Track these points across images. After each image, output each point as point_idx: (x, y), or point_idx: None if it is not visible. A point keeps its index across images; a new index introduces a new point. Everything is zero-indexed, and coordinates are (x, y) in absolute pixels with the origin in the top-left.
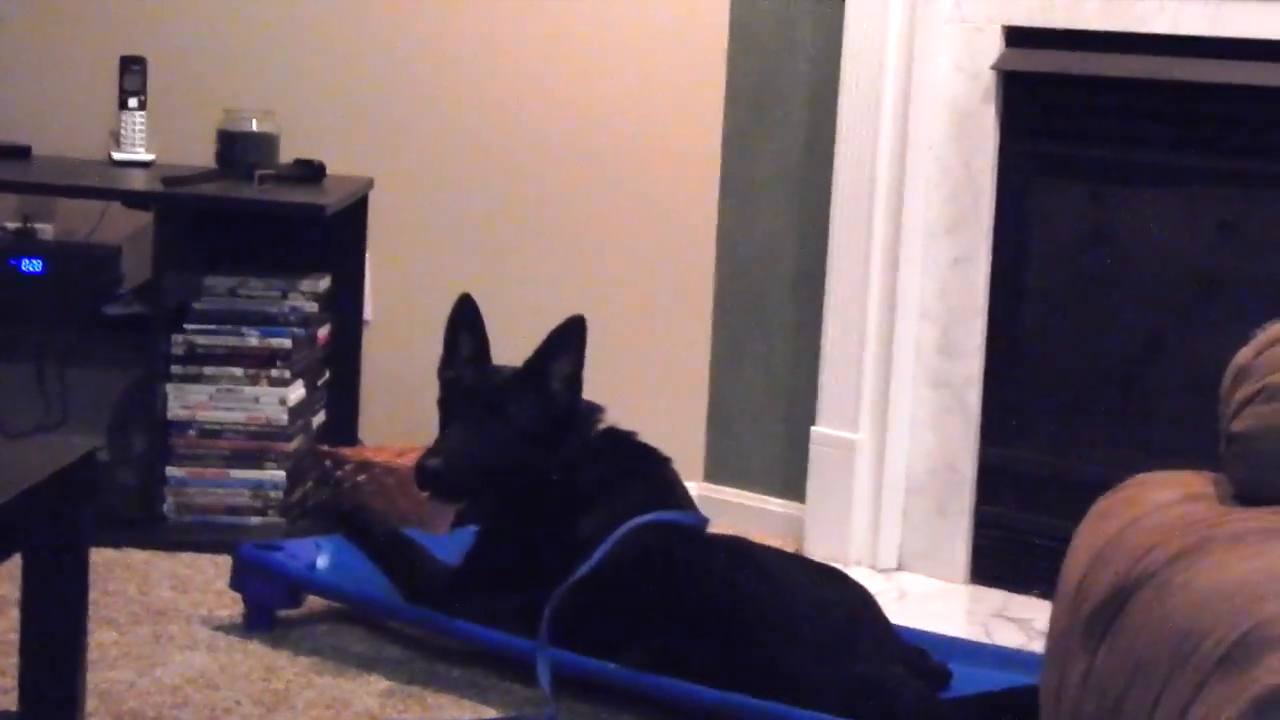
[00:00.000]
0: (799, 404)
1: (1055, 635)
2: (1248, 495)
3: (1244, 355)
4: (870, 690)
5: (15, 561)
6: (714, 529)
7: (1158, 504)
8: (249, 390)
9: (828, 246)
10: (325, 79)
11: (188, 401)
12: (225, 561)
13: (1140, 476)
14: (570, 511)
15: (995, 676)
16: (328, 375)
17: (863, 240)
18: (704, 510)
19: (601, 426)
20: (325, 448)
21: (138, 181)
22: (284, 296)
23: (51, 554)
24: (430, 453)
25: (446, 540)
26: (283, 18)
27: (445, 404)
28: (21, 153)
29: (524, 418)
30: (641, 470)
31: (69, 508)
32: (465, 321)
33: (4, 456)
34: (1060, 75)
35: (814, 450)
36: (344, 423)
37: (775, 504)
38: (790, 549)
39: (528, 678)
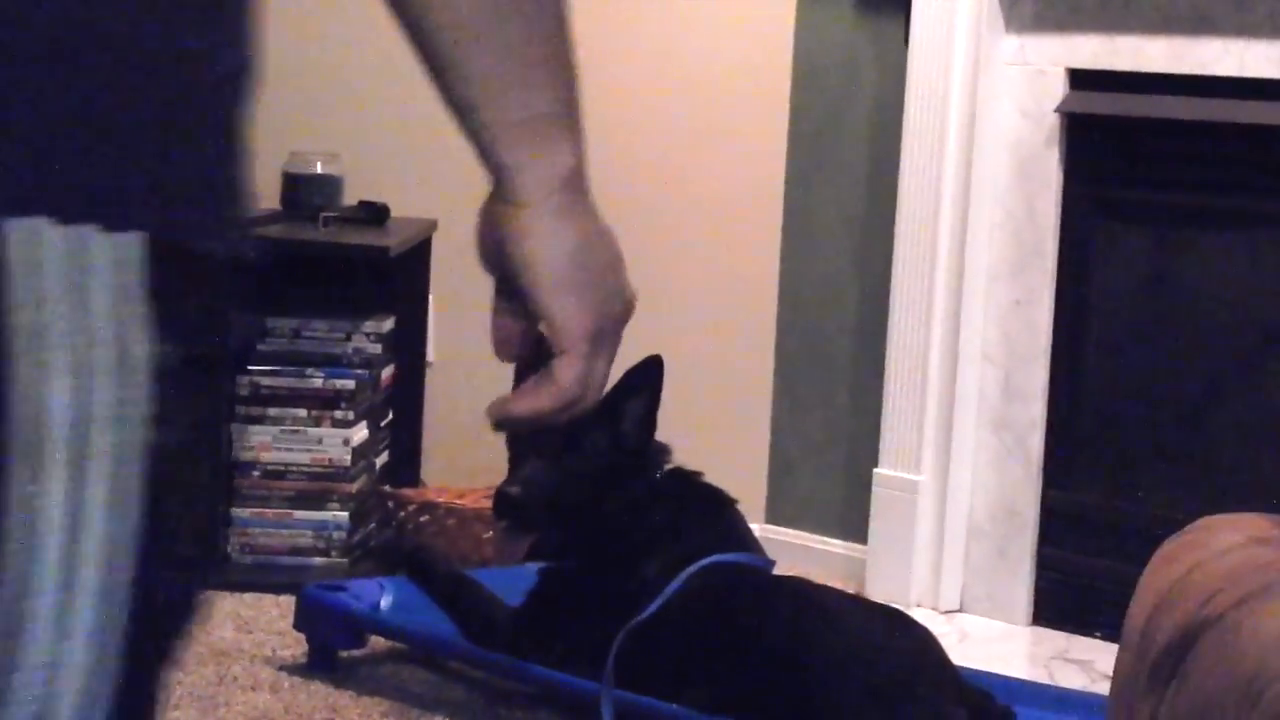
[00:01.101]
0: (861, 445)
1: (1120, 679)
2: None
3: None
4: None
5: None
6: (776, 571)
7: (1223, 547)
8: (313, 431)
9: (890, 288)
10: (389, 122)
11: (252, 442)
12: (289, 602)
13: (1205, 520)
14: (636, 552)
15: (1059, 719)
16: (390, 416)
17: (925, 282)
18: (766, 552)
19: (669, 467)
20: (388, 489)
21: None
22: (347, 338)
23: None
24: (509, 481)
25: (506, 580)
26: (346, 62)
27: (517, 439)
28: None
29: (599, 455)
30: (707, 511)
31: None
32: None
33: None
34: (1124, 118)
35: (876, 492)
36: (406, 463)
37: (837, 545)
38: (852, 590)
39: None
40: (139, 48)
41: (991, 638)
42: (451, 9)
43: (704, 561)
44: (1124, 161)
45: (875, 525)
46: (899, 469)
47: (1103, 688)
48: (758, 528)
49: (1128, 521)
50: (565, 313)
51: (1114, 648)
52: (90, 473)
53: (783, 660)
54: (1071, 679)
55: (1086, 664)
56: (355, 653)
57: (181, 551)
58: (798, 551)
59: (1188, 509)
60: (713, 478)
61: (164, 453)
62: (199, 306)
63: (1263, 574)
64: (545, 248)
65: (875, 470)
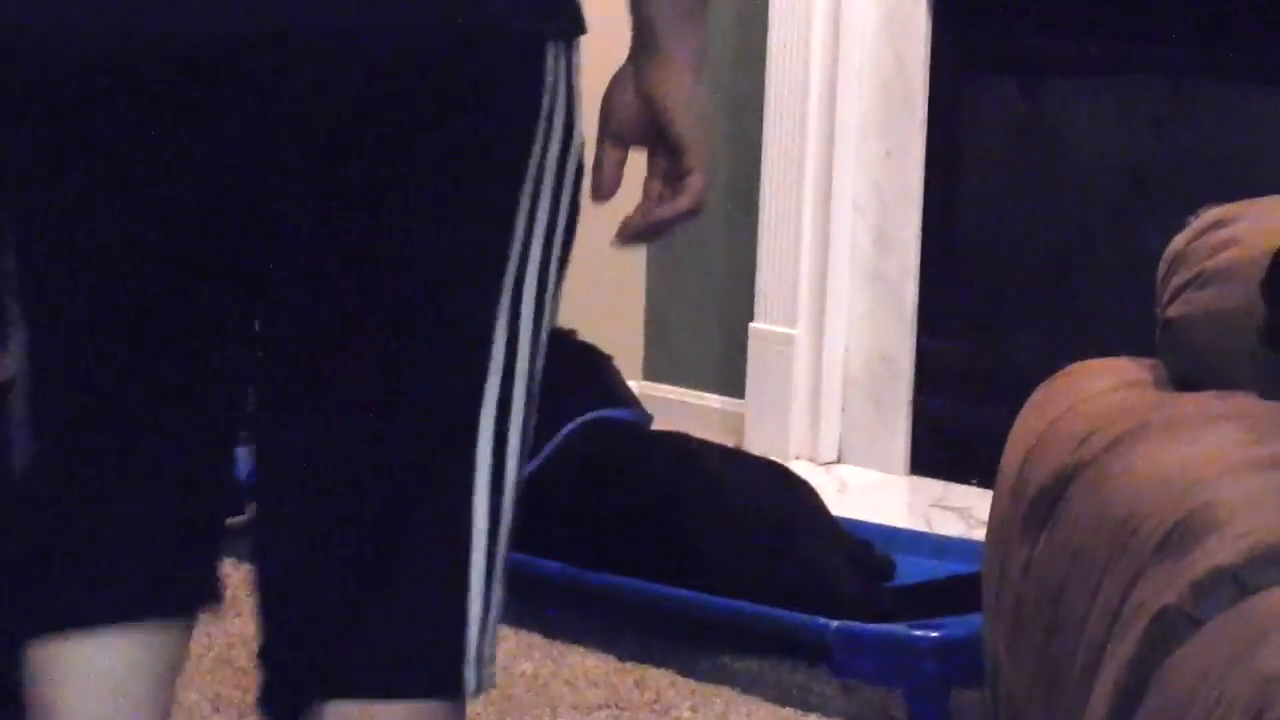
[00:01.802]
0: (736, 301)
1: (995, 525)
2: (1183, 381)
3: (1179, 242)
4: (811, 582)
5: None
6: (655, 427)
7: (1094, 392)
8: None
9: (761, 142)
10: None
11: None
12: None
13: (1077, 365)
14: None
15: (937, 565)
16: None
17: (796, 135)
18: (645, 408)
19: None
20: None
21: None
22: None
23: None
24: None
25: None
26: None
27: None
28: None
29: None
30: (583, 369)
31: None
32: None
33: None
34: None
35: (752, 346)
36: None
37: (714, 401)
38: (731, 445)
39: None
40: None
41: (870, 487)
42: None
43: (582, 419)
44: (992, 10)
45: (752, 380)
46: (774, 323)
47: (980, 534)
48: (636, 385)
49: (1002, 369)
50: (697, 139)
51: (990, 495)
52: None
53: (663, 515)
54: (949, 526)
55: (964, 511)
56: (236, 520)
57: None
58: (676, 408)
59: (1061, 356)
60: (588, 336)
61: None
62: None
63: (1133, 416)
64: (691, 96)
65: (751, 325)
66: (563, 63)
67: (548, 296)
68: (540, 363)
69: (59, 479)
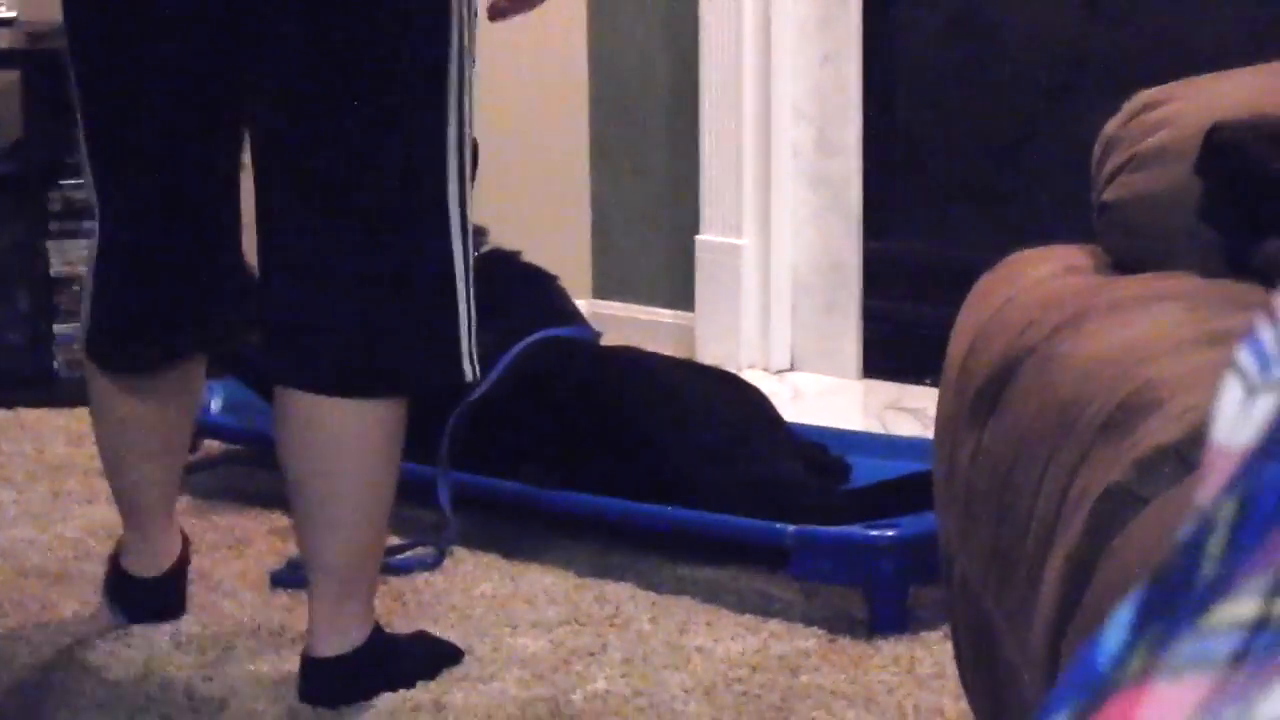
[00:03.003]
0: (682, 213)
1: (943, 418)
2: (1123, 264)
3: (1112, 125)
4: (768, 488)
5: None
6: (606, 343)
7: (1036, 279)
8: None
9: (699, 51)
10: None
11: (70, 257)
12: None
13: (1018, 254)
14: None
15: (894, 465)
16: None
17: (733, 43)
18: (594, 326)
19: (486, 249)
20: None
21: (2, 40)
22: None
23: None
24: None
25: None
26: None
27: None
28: None
29: None
30: (529, 289)
31: None
32: None
33: None
34: None
35: (699, 258)
36: None
37: (665, 315)
38: (682, 357)
39: (428, 501)
40: None
41: (824, 392)
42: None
43: (531, 338)
44: None
45: (701, 291)
46: (721, 234)
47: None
48: (585, 303)
49: (950, 266)
50: None
51: None
52: None
53: (618, 428)
54: (905, 427)
55: (919, 411)
56: (191, 457)
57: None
58: (626, 324)
59: (1009, 248)
60: (536, 256)
61: None
62: None
63: (1074, 301)
64: None
65: (697, 237)
66: None
67: (467, 95)
68: (464, 139)
69: (126, 266)
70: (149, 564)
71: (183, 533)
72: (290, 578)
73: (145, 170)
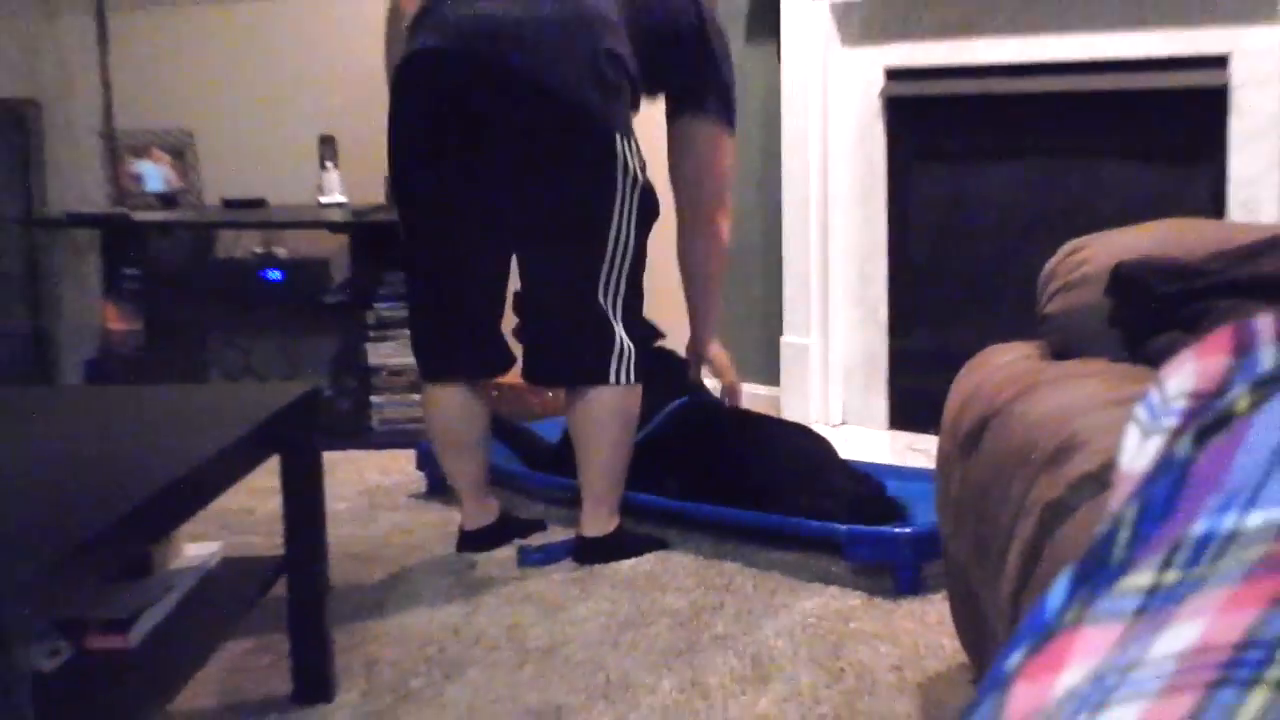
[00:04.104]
0: (772, 323)
1: (941, 456)
2: (1059, 354)
3: (1051, 263)
4: (831, 500)
5: (274, 460)
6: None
7: (1002, 364)
8: None
9: (782, 217)
10: None
11: (380, 353)
12: (412, 454)
13: (990, 348)
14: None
15: (911, 487)
16: None
17: (805, 210)
18: (715, 394)
19: (656, 345)
20: None
21: (336, 216)
22: None
23: (298, 453)
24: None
25: (544, 429)
26: None
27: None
28: (259, 203)
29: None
30: (672, 371)
31: (305, 423)
32: None
33: (262, 392)
34: (923, 97)
35: (783, 351)
36: None
37: (761, 388)
38: (773, 415)
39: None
40: None
41: (865, 439)
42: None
43: (677, 402)
44: (925, 123)
45: (784, 372)
46: (797, 336)
47: None
48: (712, 381)
49: (948, 353)
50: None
51: None
52: None
53: (734, 462)
54: (918, 462)
55: (927, 452)
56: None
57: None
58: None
59: (985, 343)
60: (678, 346)
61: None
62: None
63: (1028, 378)
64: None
65: (781, 338)
66: (627, 142)
67: (626, 241)
68: (626, 264)
69: (436, 322)
70: (474, 519)
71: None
72: (531, 557)
73: (454, 274)
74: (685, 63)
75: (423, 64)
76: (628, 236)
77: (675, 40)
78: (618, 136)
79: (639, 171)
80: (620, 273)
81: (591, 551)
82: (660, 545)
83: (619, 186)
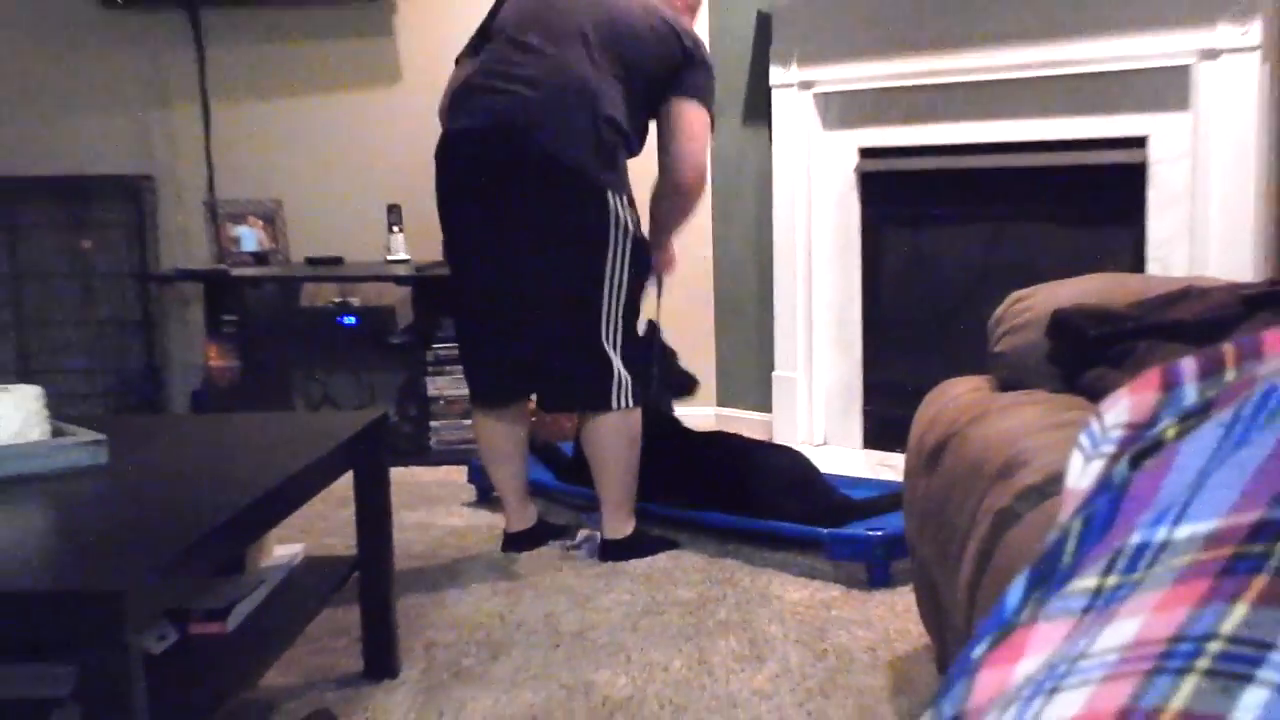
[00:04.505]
0: (764, 357)
1: (908, 471)
2: (1006, 386)
3: (1000, 309)
4: (815, 508)
5: (349, 474)
6: (720, 429)
7: (958, 394)
8: None
9: (773, 270)
10: None
11: (438, 385)
12: (464, 469)
13: (948, 381)
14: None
15: (879, 493)
16: None
17: (793, 266)
18: (717, 424)
19: (659, 334)
20: None
21: (401, 271)
22: None
23: (369, 469)
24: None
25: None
26: None
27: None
28: (337, 261)
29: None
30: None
31: (374, 444)
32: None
33: (338, 419)
34: (892, 171)
35: (775, 383)
36: None
37: (755, 415)
38: (764, 436)
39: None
40: None
41: (843, 457)
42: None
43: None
44: (893, 193)
45: (775, 401)
46: (785, 370)
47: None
48: (712, 409)
49: (912, 384)
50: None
51: None
52: None
53: (733, 477)
54: (889, 475)
55: (896, 468)
56: None
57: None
58: (734, 420)
59: (944, 376)
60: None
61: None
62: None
63: (980, 406)
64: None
65: (773, 372)
66: (620, 198)
67: (620, 287)
68: (621, 306)
69: (481, 358)
70: (516, 523)
71: (535, 506)
72: (580, 550)
73: (492, 317)
74: (674, 81)
75: (458, 141)
76: (622, 283)
77: (670, 74)
78: (610, 194)
79: (630, 224)
80: (617, 316)
81: (614, 551)
82: (672, 546)
83: (612, 239)
